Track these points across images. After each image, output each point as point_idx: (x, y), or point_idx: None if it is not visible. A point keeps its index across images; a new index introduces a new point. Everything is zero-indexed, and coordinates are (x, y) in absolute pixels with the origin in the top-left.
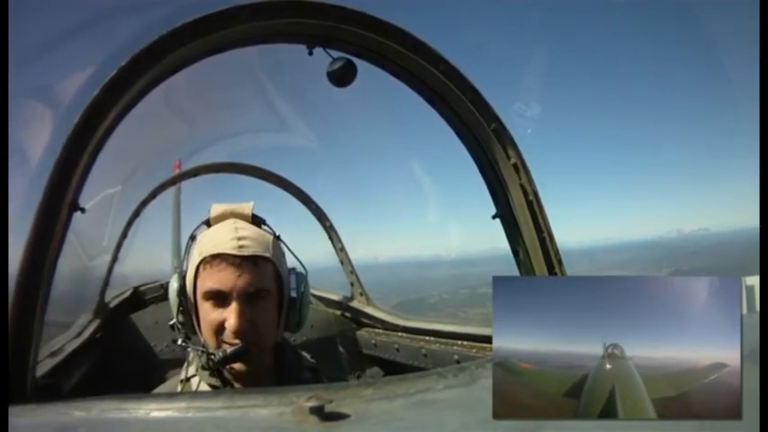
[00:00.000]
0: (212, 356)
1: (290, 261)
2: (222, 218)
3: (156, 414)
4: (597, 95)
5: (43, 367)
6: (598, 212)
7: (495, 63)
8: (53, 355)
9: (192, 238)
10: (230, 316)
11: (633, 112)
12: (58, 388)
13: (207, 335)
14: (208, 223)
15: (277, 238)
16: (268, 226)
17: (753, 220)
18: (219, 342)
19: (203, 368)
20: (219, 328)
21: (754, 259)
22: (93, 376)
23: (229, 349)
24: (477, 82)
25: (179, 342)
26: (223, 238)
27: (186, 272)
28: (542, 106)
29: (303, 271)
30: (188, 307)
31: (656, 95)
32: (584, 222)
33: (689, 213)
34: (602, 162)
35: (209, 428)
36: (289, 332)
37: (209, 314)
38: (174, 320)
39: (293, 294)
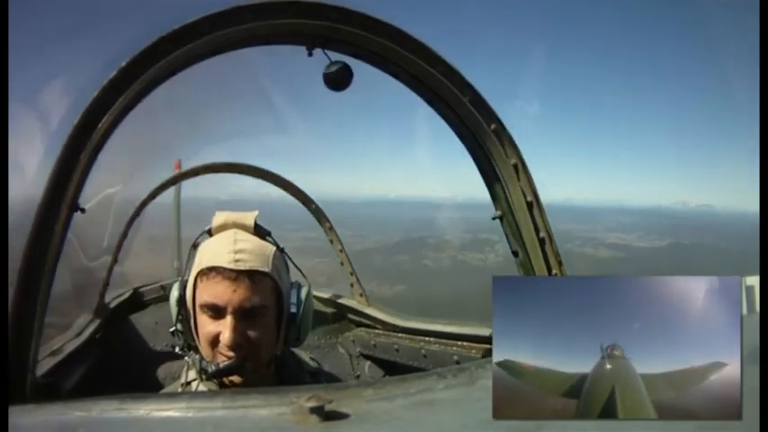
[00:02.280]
0: (206, 369)
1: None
2: (224, 228)
3: (156, 414)
4: (617, 66)
5: (43, 367)
6: (609, 174)
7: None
8: (53, 354)
9: (195, 246)
10: (225, 330)
11: (655, 79)
12: (57, 387)
13: (203, 345)
14: (210, 232)
15: (281, 250)
16: (271, 237)
17: (756, 205)
18: (215, 353)
19: (199, 373)
20: (215, 341)
21: (754, 242)
22: (93, 376)
23: (223, 364)
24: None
25: (177, 350)
26: (221, 250)
27: (187, 280)
28: (559, 74)
29: (305, 284)
30: (187, 315)
31: (674, 65)
32: (594, 181)
33: (695, 188)
34: (619, 125)
35: (209, 429)
36: (289, 346)
37: (205, 326)
38: (174, 327)
39: (293, 309)
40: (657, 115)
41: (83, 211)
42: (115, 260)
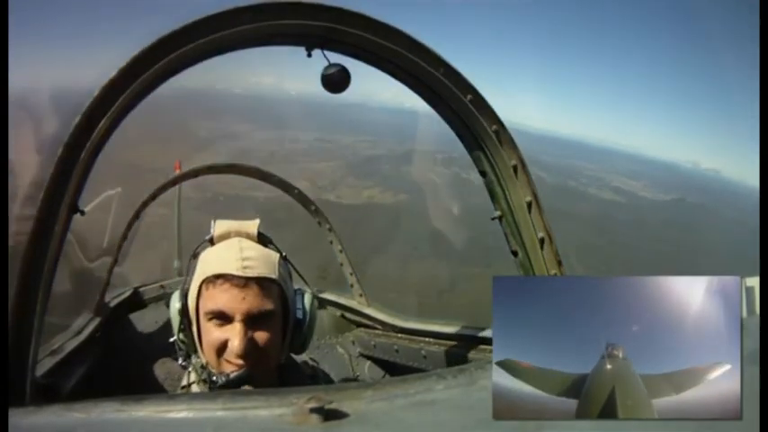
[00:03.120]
0: (215, 381)
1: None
2: (226, 236)
3: (156, 416)
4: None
5: (43, 367)
6: (629, 119)
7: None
8: (53, 354)
9: (195, 255)
10: (234, 337)
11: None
12: (57, 387)
13: (208, 354)
14: (211, 241)
15: (284, 258)
16: (274, 245)
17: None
18: (221, 361)
19: (204, 382)
20: (221, 349)
21: (754, 216)
22: (93, 375)
23: (233, 374)
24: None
25: (179, 362)
26: (227, 257)
27: (188, 290)
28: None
29: (309, 290)
30: (189, 325)
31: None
32: (612, 123)
33: (707, 150)
34: (648, 74)
35: (209, 430)
36: (293, 353)
37: (211, 334)
38: (175, 338)
39: (299, 315)
40: (690, 73)
41: (82, 213)
42: (115, 261)
